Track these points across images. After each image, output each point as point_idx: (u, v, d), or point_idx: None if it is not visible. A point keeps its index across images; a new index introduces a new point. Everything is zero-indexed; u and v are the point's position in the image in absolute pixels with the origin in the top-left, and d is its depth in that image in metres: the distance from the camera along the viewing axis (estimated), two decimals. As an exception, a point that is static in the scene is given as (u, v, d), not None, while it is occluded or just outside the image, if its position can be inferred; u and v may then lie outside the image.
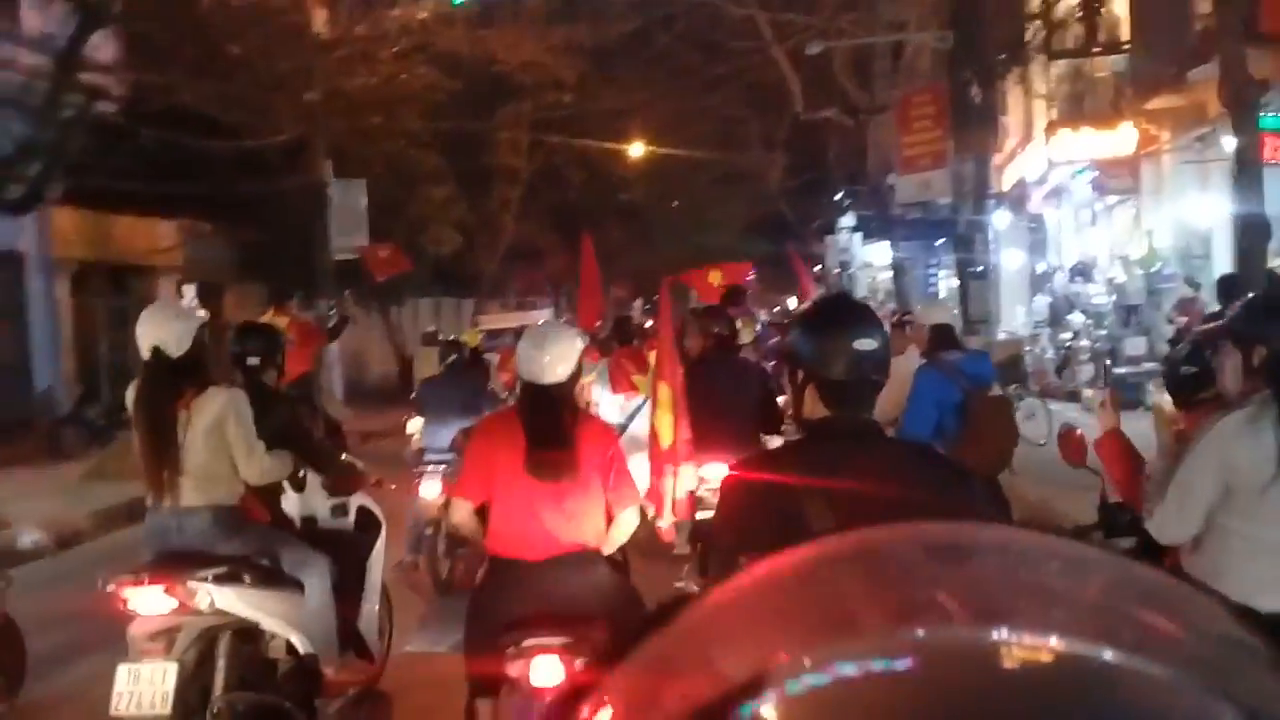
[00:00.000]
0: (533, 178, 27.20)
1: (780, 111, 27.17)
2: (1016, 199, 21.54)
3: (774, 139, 30.01)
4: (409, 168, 21.78)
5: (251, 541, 4.70)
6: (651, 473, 5.53)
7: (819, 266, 33.35)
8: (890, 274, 26.57)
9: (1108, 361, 14.90)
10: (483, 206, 25.81)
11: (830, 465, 2.23)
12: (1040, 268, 22.03)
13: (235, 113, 17.01)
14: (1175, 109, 15.54)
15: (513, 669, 3.69)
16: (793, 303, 32.36)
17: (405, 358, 25.14)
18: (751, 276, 19.20)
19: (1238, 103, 7.18)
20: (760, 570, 0.81)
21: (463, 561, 7.26)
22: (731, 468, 2.60)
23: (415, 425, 8.35)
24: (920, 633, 0.66)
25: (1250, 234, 7.28)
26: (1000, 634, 0.66)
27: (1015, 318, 20.01)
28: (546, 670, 3.66)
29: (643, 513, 4.33)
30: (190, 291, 16.61)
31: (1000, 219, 16.80)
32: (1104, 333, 16.03)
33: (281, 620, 4.64)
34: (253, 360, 5.21)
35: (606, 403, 8.28)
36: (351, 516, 5.59)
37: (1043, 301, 19.36)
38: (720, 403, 6.37)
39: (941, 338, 6.01)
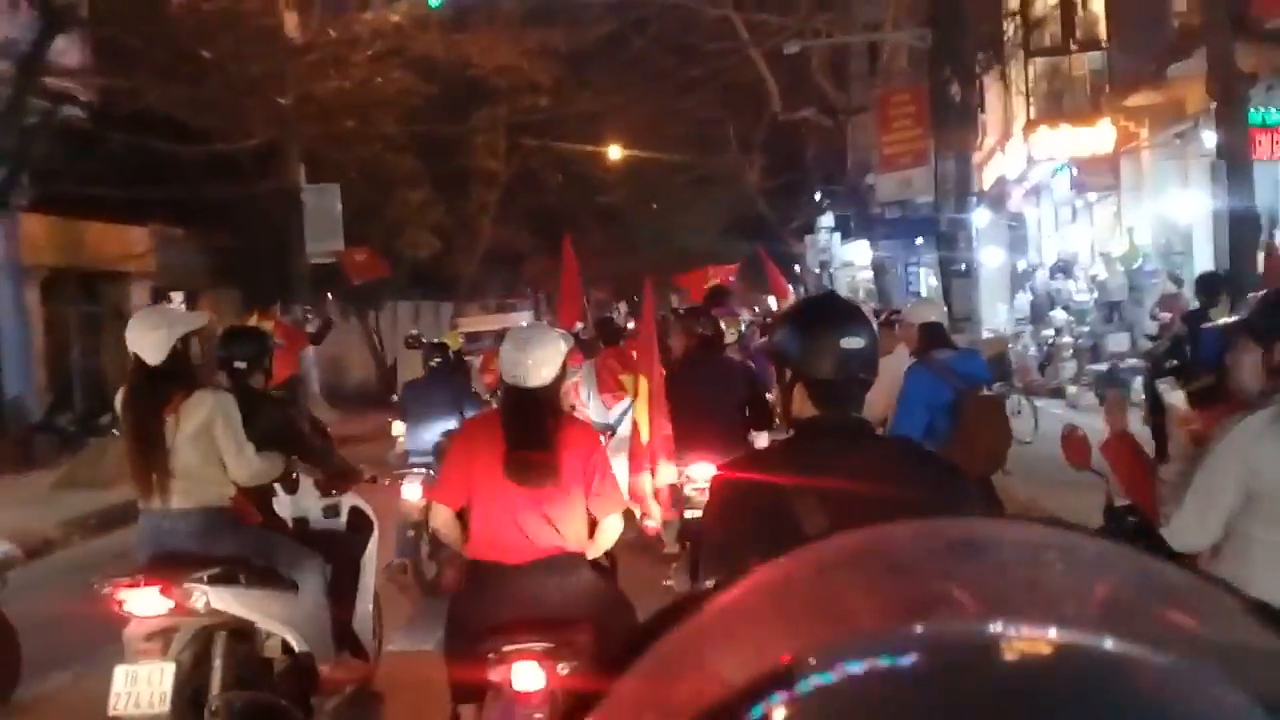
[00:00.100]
0: (510, 181, 27.13)
1: (758, 112, 27.12)
2: (996, 197, 21.54)
3: (752, 140, 29.97)
4: (385, 172, 21.69)
5: (246, 542, 4.74)
6: (630, 470, 5.53)
7: (798, 266, 33.31)
8: (870, 273, 26.52)
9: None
10: (460, 210, 25.72)
11: (820, 464, 2.22)
12: (1021, 266, 22.05)
13: (206, 117, 16.87)
14: (1154, 105, 15.55)
15: (494, 675, 3.65)
16: (773, 302, 32.25)
17: (383, 361, 25.02)
18: (733, 278, 19.14)
19: (1226, 96, 7.08)
20: (767, 571, 0.80)
21: (450, 564, 7.21)
22: (720, 467, 2.58)
23: (400, 428, 8.33)
24: (931, 628, 0.65)
25: (1240, 229, 7.18)
26: (1011, 628, 0.64)
27: (997, 316, 19.99)
28: (527, 676, 3.62)
29: (630, 513, 4.29)
30: (178, 298, 16.47)
31: (980, 217, 16.76)
32: (1086, 329, 16.04)
33: (277, 620, 4.68)
34: (240, 364, 5.27)
35: (595, 404, 8.26)
36: (343, 517, 5.63)
37: (1024, 299, 19.37)
38: (705, 402, 6.39)
39: (932, 336, 5.87)
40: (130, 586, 4.31)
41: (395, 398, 9.20)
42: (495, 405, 5.64)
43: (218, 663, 4.44)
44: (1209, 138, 13.44)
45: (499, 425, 3.92)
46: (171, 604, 4.32)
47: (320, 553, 4.98)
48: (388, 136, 21.05)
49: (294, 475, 5.16)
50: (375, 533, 5.72)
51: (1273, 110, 10.04)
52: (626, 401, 7.48)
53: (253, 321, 10.33)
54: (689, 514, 6.26)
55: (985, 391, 5.80)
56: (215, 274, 20.24)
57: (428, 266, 25.10)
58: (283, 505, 5.34)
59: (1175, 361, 9.14)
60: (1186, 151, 15.25)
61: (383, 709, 5.51)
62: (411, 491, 7.43)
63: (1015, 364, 15.68)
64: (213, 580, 4.42)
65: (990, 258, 21.62)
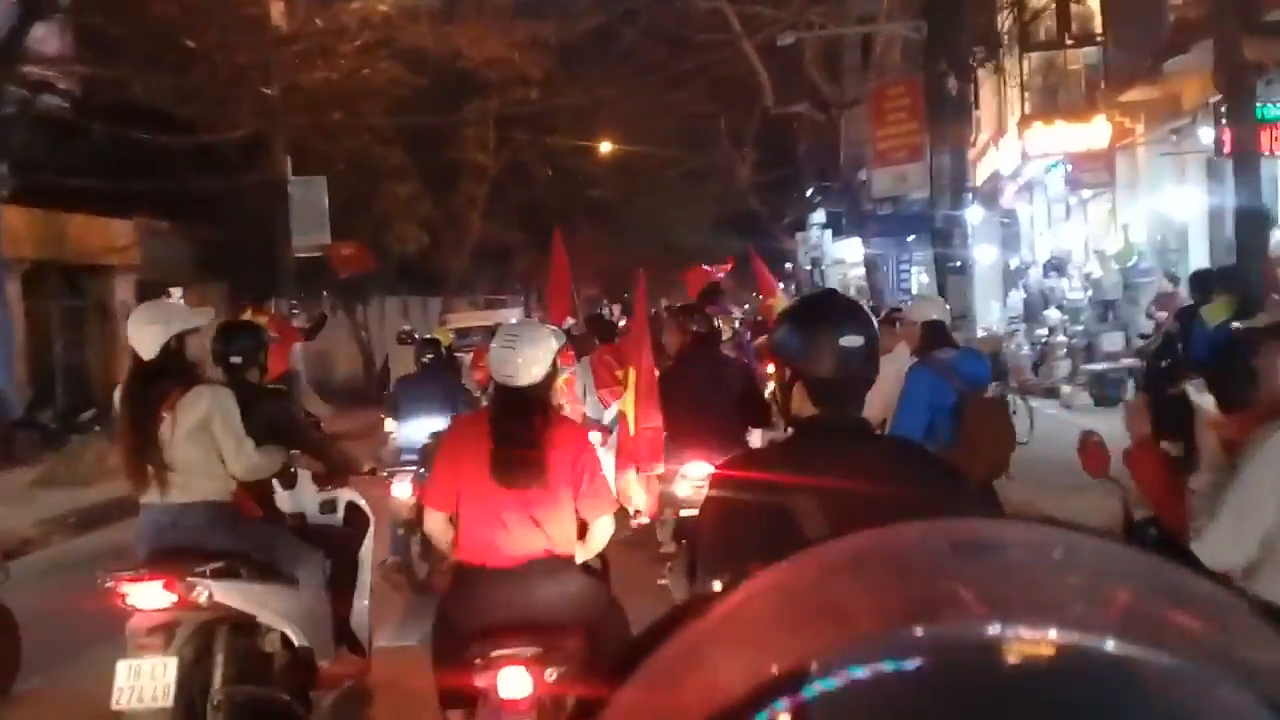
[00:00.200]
0: (500, 175, 26.94)
1: (749, 106, 26.94)
2: (989, 193, 21.42)
3: (743, 134, 29.80)
4: (372, 164, 21.54)
5: (247, 537, 4.75)
6: (617, 467, 5.52)
7: (789, 263, 33.21)
8: (862, 270, 26.39)
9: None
10: (449, 204, 25.53)
11: (819, 463, 2.20)
12: (1013, 263, 21.94)
13: (191, 107, 16.64)
14: (1150, 101, 15.44)
15: (480, 680, 3.59)
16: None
17: (371, 357, 24.85)
18: (721, 275, 18.91)
19: (1233, 89, 6.90)
20: (768, 575, 0.80)
21: (441, 565, 7.16)
22: (719, 466, 2.55)
23: (392, 424, 8.33)
24: (935, 631, 0.65)
25: (1247, 225, 7.00)
26: (1016, 630, 0.64)
27: (990, 314, 19.88)
28: (514, 682, 3.55)
29: (623, 510, 4.21)
30: (177, 293, 16.28)
31: (973, 214, 16.65)
32: (1080, 328, 15.92)
33: (278, 614, 4.69)
34: (235, 359, 5.32)
35: (592, 401, 8.29)
36: (340, 513, 5.64)
37: (1017, 297, 19.25)
38: (701, 400, 6.40)
39: (934, 335, 5.68)
40: (133, 580, 4.34)
41: (388, 393, 9.20)
42: (486, 403, 5.61)
43: (219, 657, 4.47)
44: (1206, 134, 13.32)
45: (487, 424, 3.86)
46: (175, 598, 4.33)
47: (319, 548, 5.04)
48: (375, 128, 20.93)
49: (292, 470, 5.21)
50: (371, 528, 5.74)
51: (1270, 105, 9.89)
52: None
53: (247, 316, 10.32)
54: (685, 512, 6.24)
55: (988, 393, 5.62)
56: (200, 268, 20.02)
57: (416, 261, 24.96)
58: (280, 501, 5.36)
59: (1168, 359, 9.06)
60: (1183, 147, 15.14)
61: (376, 704, 5.54)
62: (402, 490, 7.43)
63: (1008, 363, 15.56)
64: (215, 574, 4.44)
65: (983, 255, 21.53)
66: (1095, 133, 16.64)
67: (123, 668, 4.25)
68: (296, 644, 4.75)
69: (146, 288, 17.66)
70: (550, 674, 3.57)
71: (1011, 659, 0.63)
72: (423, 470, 7.24)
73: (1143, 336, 13.78)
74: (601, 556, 4.18)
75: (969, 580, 0.72)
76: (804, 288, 30.36)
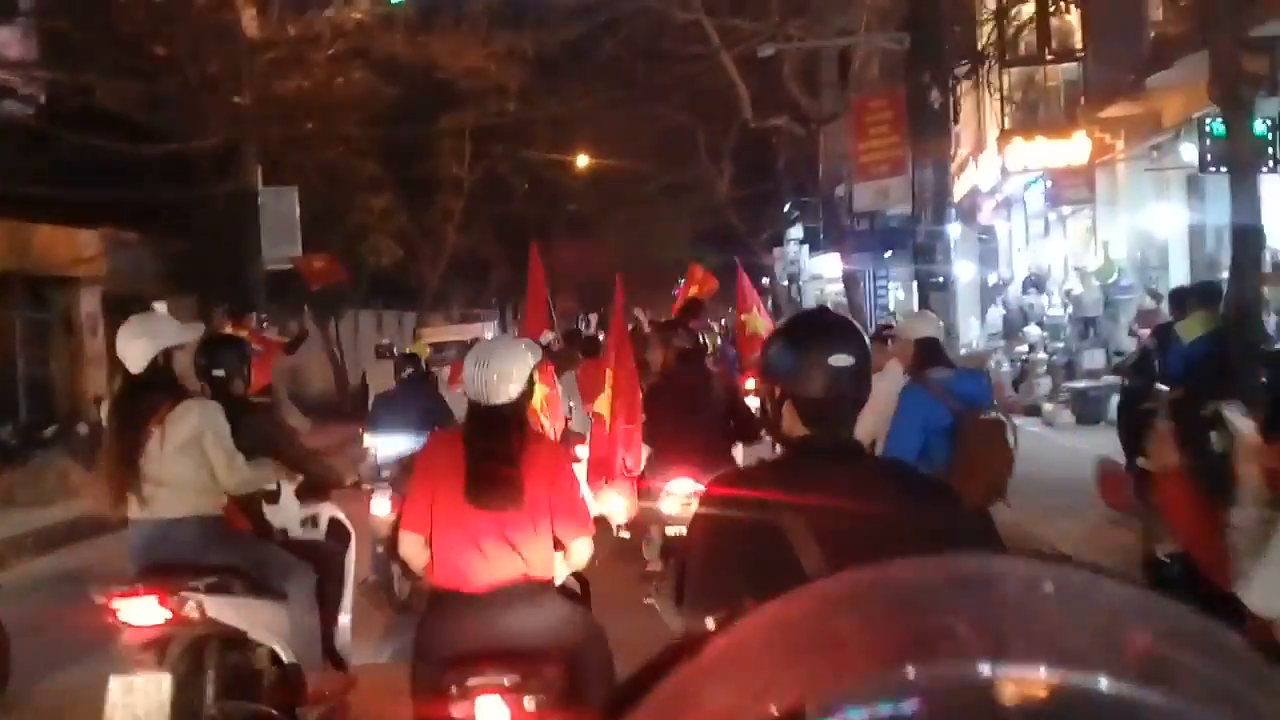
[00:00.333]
0: (476, 188, 26.72)
1: (728, 120, 26.81)
2: (967, 209, 21.36)
3: (722, 148, 29.69)
4: (346, 176, 21.28)
5: (237, 551, 4.78)
6: (589, 478, 5.54)
7: (767, 279, 33.08)
8: (840, 286, 26.28)
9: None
10: (424, 216, 25.29)
11: (810, 484, 2.16)
12: (992, 280, 21.88)
13: (160, 116, 16.31)
14: (1131, 117, 15.40)
15: (457, 710, 3.52)
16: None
17: (343, 371, 24.53)
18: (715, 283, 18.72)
19: (1230, 100, 6.75)
20: (765, 612, 0.78)
21: (420, 586, 7.04)
22: (709, 484, 2.50)
23: (371, 440, 8.28)
24: (932, 672, 0.65)
25: (1243, 242, 6.85)
26: (1014, 670, 0.64)
27: (969, 330, 19.79)
28: (492, 711, 3.49)
29: (604, 522, 4.00)
30: (161, 307, 15.92)
31: (952, 230, 16.55)
32: (1061, 345, 15.83)
33: (267, 630, 4.70)
34: (218, 372, 5.33)
35: (578, 416, 8.19)
36: (323, 528, 5.64)
37: (996, 314, 19.16)
38: (687, 416, 6.33)
39: (928, 353, 5.48)
40: (126, 596, 4.32)
41: (369, 408, 9.14)
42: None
43: (211, 673, 4.47)
44: (1187, 150, 13.25)
45: (461, 444, 3.74)
46: (169, 614, 4.33)
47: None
48: (349, 139, 20.68)
49: (275, 486, 5.24)
50: (353, 544, 5.74)
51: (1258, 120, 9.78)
52: None
53: (227, 330, 10.44)
54: (670, 530, 6.17)
55: (988, 415, 5.40)
56: (169, 280, 19.62)
57: (390, 275, 24.74)
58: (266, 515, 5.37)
59: (1145, 376, 8.93)
60: (1164, 164, 15.10)
61: None
62: (381, 507, 7.37)
63: (992, 380, 15.44)
64: (209, 589, 4.45)
65: (961, 271, 21.46)
66: (1075, 148, 16.60)
67: (115, 684, 4.20)
68: (285, 660, 4.75)
69: (113, 300, 17.28)
70: (529, 702, 3.49)
71: (1009, 700, 0.62)
72: (399, 486, 7.15)
73: (1119, 354, 13.70)
74: (582, 579, 4.09)
75: (968, 618, 0.70)
76: (781, 303, 30.23)
